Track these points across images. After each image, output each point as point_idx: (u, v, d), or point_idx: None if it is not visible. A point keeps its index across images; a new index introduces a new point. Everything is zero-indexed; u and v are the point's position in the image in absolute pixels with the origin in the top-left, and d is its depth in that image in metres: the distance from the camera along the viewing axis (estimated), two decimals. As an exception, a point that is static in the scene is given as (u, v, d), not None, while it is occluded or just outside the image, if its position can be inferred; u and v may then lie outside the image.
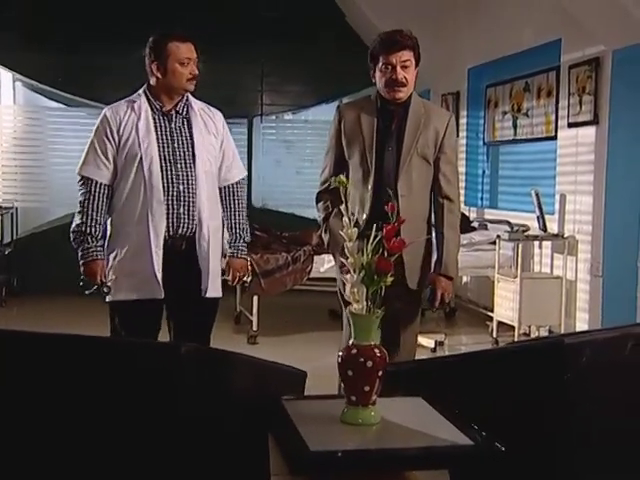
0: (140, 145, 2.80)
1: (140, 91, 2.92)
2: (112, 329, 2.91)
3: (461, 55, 6.59)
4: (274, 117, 7.84)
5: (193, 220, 2.84)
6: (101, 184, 2.84)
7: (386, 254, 1.78)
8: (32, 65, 6.96)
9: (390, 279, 1.78)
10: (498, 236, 5.36)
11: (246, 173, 3.15)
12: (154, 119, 2.85)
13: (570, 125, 5.18)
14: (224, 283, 3.03)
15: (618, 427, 1.93)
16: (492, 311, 5.46)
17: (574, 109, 5.10)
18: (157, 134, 2.83)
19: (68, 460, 1.78)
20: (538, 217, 5.27)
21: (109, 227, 2.89)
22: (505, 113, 6.11)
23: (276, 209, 7.58)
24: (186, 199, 2.84)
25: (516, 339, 5.06)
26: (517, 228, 5.41)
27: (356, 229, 1.81)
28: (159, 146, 2.82)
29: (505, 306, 5.25)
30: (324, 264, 5.32)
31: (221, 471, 1.90)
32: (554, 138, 5.44)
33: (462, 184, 6.80)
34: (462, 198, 6.67)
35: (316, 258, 5.37)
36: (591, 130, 4.97)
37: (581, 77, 5.01)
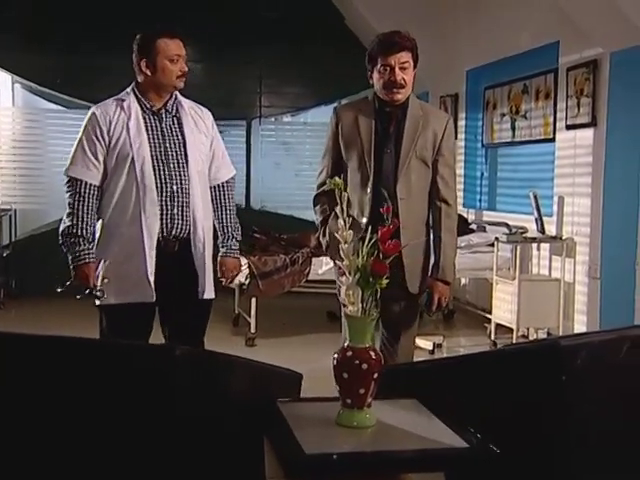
0: (131, 145, 2.75)
1: (128, 89, 2.86)
2: (101, 333, 2.85)
3: (459, 57, 6.59)
4: (273, 119, 7.84)
5: (187, 221, 2.80)
6: (91, 185, 2.77)
7: (381, 256, 1.78)
8: (31, 67, 6.96)
9: (385, 281, 1.78)
10: (496, 238, 5.36)
11: (235, 172, 3.10)
12: (144, 118, 2.80)
13: (568, 127, 5.18)
14: (218, 284, 2.99)
15: (614, 429, 1.93)
16: (490, 313, 5.45)
17: (572, 111, 5.11)
18: (148, 134, 2.78)
19: (65, 460, 1.78)
20: (536, 219, 5.27)
21: (98, 229, 2.82)
22: (503, 115, 6.11)
23: (275, 211, 7.58)
24: (180, 199, 2.79)
25: (514, 341, 5.05)
26: (515, 230, 5.41)
27: (352, 231, 1.80)
28: (151, 146, 2.77)
29: (503, 308, 5.25)
30: (322, 266, 5.32)
31: (217, 474, 1.89)
32: (552, 140, 5.44)
33: (460, 186, 6.80)
34: (460, 200, 6.75)
35: (314, 260, 5.37)
36: (589, 132, 4.97)
37: (579, 79, 5.01)
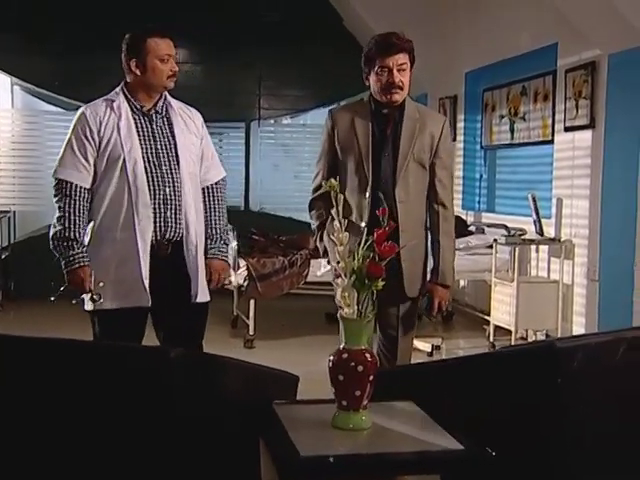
0: (123, 147, 2.69)
1: (117, 89, 2.80)
2: (94, 338, 2.78)
3: (458, 59, 6.60)
4: (272, 121, 7.85)
5: (180, 224, 2.75)
6: (81, 188, 2.70)
7: (377, 258, 1.77)
8: (30, 69, 6.97)
9: (381, 283, 1.78)
10: (495, 240, 5.36)
11: (225, 174, 3.02)
12: (134, 119, 2.74)
13: (567, 129, 5.18)
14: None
15: (611, 431, 1.93)
16: (489, 315, 5.45)
17: (571, 113, 5.11)
18: (139, 135, 2.73)
19: (60, 459, 1.78)
20: (535, 221, 5.27)
21: (88, 232, 2.72)
22: (502, 117, 6.12)
23: (274, 213, 7.59)
24: (173, 202, 2.74)
25: (513, 343, 5.05)
26: (514, 232, 5.41)
27: (347, 233, 1.80)
28: (142, 147, 2.72)
29: (502, 310, 5.24)
30: (321, 268, 5.31)
31: (213, 476, 1.89)
32: (551, 142, 5.44)
33: (459, 188, 6.80)
34: (459, 202, 6.76)
35: (313, 262, 5.36)
36: (587, 134, 4.97)
37: (577, 81, 5.01)
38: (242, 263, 5.44)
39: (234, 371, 1.98)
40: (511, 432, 1.90)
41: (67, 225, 2.69)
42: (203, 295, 2.84)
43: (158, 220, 2.72)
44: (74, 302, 2.78)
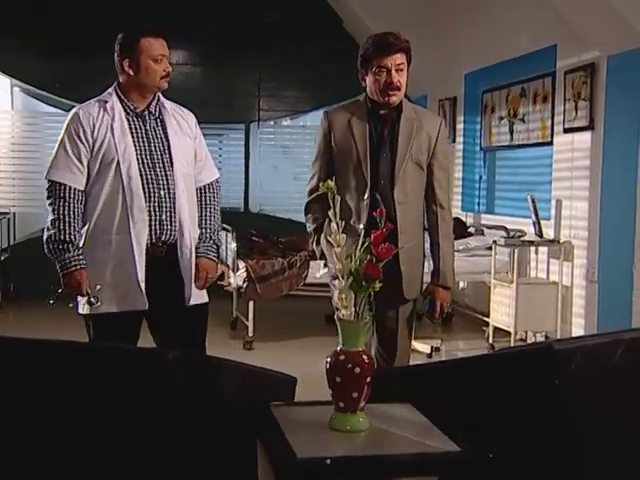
0: (117, 148, 2.65)
1: (110, 90, 2.76)
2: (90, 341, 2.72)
3: (458, 61, 6.60)
4: (272, 122, 7.85)
5: (175, 226, 2.72)
6: (75, 190, 2.65)
7: (374, 260, 1.77)
8: (30, 71, 6.97)
9: (379, 285, 1.77)
10: (494, 241, 5.36)
11: (218, 175, 2.97)
12: (128, 120, 2.70)
13: (566, 130, 5.18)
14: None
15: (609, 432, 1.93)
16: (488, 316, 5.45)
17: (570, 115, 5.11)
18: (133, 136, 2.69)
19: (60, 461, 1.78)
20: (534, 222, 5.27)
21: (82, 235, 2.69)
22: (502, 118, 6.12)
23: (273, 214, 7.59)
24: (168, 205, 2.70)
25: (512, 345, 5.05)
26: (513, 233, 5.41)
27: (344, 235, 1.80)
28: (136, 149, 2.68)
29: (501, 311, 5.24)
30: (320, 269, 5.30)
31: (211, 478, 1.89)
32: (550, 143, 5.45)
33: (459, 189, 6.81)
34: (459, 203, 6.76)
35: (312, 263, 5.36)
36: (587, 135, 4.97)
37: (576, 83, 5.01)
38: (241, 265, 5.44)
39: (232, 373, 1.97)
40: (509, 434, 1.90)
41: (62, 228, 2.64)
42: (199, 297, 2.81)
43: (153, 223, 2.69)
44: (70, 305, 2.74)
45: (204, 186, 2.89)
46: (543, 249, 5.47)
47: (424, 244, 2.90)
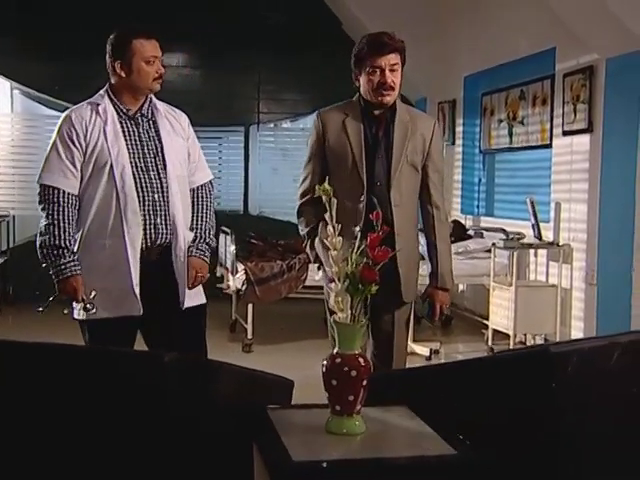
0: (110, 152, 2.61)
1: (102, 92, 2.72)
2: None
3: (457, 63, 6.61)
4: (272, 125, 7.86)
5: (170, 229, 2.69)
6: (69, 194, 2.61)
7: (371, 263, 1.77)
8: (30, 73, 6.98)
9: (375, 288, 1.77)
10: (493, 244, 5.36)
11: (212, 177, 2.93)
12: (121, 123, 2.66)
13: (565, 133, 5.19)
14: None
15: (606, 435, 1.93)
16: (488, 319, 5.45)
17: (569, 117, 5.11)
18: (126, 139, 2.65)
19: (58, 463, 1.78)
20: (533, 225, 5.27)
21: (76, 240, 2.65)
22: (501, 121, 6.12)
23: (273, 217, 7.59)
24: (162, 208, 2.67)
25: (511, 347, 5.05)
26: (512, 236, 5.41)
27: (341, 238, 1.79)
28: (129, 152, 2.64)
29: (500, 314, 5.24)
30: (319, 272, 5.31)
31: (207, 481, 1.89)
32: (549, 146, 5.45)
33: (458, 192, 6.81)
34: (458, 206, 6.76)
35: (311, 266, 5.35)
36: (585, 138, 4.97)
37: (575, 85, 5.02)
38: (240, 267, 5.44)
39: (228, 376, 1.97)
40: (506, 437, 1.90)
41: (57, 233, 2.60)
42: (196, 299, 2.78)
43: (148, 227, 2.66)
44: (65, 312, 2.70)
45: (198, 187, 2.85)
46: (542, 252, 5.47)
47: (419, 246, 2.89)
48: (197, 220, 2.83)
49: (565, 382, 1.87)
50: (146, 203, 2.65)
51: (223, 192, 7.67)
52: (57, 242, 2.60)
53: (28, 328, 5.62)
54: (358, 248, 1.77)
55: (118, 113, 2.69)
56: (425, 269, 2.95)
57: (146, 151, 2.69)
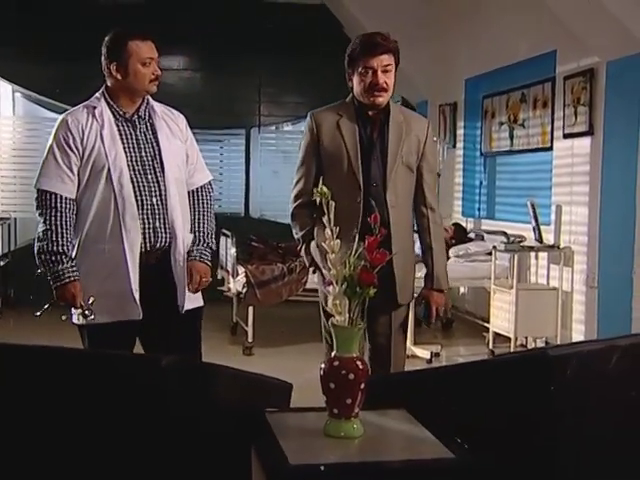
0: (107, 156, 2.58)
1: (98, 94, 2.69)
2: None
3: (458, 66, 6.61)
4: (273, 128, 7.86)
5: (169, 233, 2.66)
6: (67, 199, 2.59)
7: (369, 266, 1.77)
8: (31, 76, 6.99)
9: (373, 291, 1.77)
10: (494, 247, 5.35)
11: (211, 178, 2.89)
12: (117, 126, 2.63)
13: (565, 136, 5.18)
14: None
15: (604, 439, 1.92)
16: (489, 322, 5.44)
17: (569, 120, 5.11)
18: (123, 143, 2.62)
19: (56, 465, 1.78)
20: (534, 228, 5.27)
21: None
22: (502, 124, 6.12)
23: (274, 219, 7.59)
24: (161, 212, 2.64)
25: (512, 350, 5.04)
26: (513, 239, 5.41)
27: (339, 240, 1.79)
28: (127, 156, 2.61)
29: (501, 317, 5.24)
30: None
31: (206, 484, 1.89)
32: (550, 149, 5.45)
33: (459, 194, 6.81)
34: (459, 209, 6.75)
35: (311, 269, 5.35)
36: (586, 141, 4.97)
37: (576, 88, 5.02)
38: (241, 270, 5.44)
39: (226, 379, 1.97)
40: (505, 440, 1.89)
41: (55, 239, 2.57)
42: (194, 301, 2.76)
43: (147, 231, 2.63)
44: (64, 318, 2.69)
45: (197, 189, 2.82)
46: (543, 254, 5.47)
47: (414, 247, 2.88)
48: (198, 223, 2.81)
49: (564, 385, 1.87)
50: (145, 207, 2.62)
51: (224, 195, 7.68)
52: (55, 248, 2.58)
53: (29, 331, 5.61)
54: (355, 251, 1.77)
55: (115, 116, 2.66)
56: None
57: (144, 154, 2.66)
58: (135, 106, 2.69)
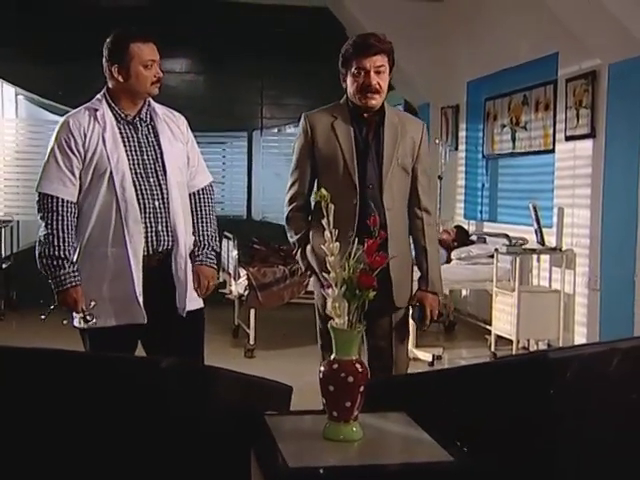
0: (109, 159, 2.57)
1: (99, 96, 2.68)
2: None
3: (460, 68, 6.61)
4: (275, 130, 7.87)
5: (171, 236, 2.66)
6: (69, 202, 2.57)
7: (368, 268, 1.76)
8: (34, 79, 7.01)
9: (372, 294, 1.76)
10: (496, 249, 5.35)
11: (212, 179, 2.89)
12: (119, 129, 2.62)
13: (568, 138, 5.18)
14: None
15: (605, 442, 1.92)
16: (491, 325, 5.44)
17: (571, 122, 5.11)
18: (125, 146, 2.61)
19: (55, 466, 1.78)
20: (536, 230, 5.26)
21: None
22: (504, 126, 6.12)
23: (276, 222, 7.58)
24: (163, 215, 2.63)
25: (514, 353, 5.03)
26: (515, 241, 5.40)
27: (338, 243, 1.79)
28: (129, 159, 2.60)
29: (503, 320, 5.23)
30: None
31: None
32: (552, 151, 5.44)
33: (461, 197, 6.81)
34: (461, 211, 6.75)
35: (313, 271, 5.35)
36: (588, 143, 4.96)
37: (578, 90, 5.01)
38: (243, 272, 5.44)
39: (227, 382, 1.96)
40: (506, 443, 1.89)
41: (56, 243, 2.56)
42: (194, 303, 2.74)
43: (150, 235, 2.62)
44: (65, 322, 2.68)
45: (198, 191, 2.82)
46: (545, 257, 5.46)
47: (410, 250, 2.87)
48: (200, 225, 2.80)
49: (564, 388, 1.86)
50: (147, 210, 2.62)
51: (226, 197, 7.69)
52: (56, 252, 2.56)
53: (32, 333, 5.63)
54: (354, 253, 1.76)
55: (116, 118, 2.65)
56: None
57: (146, 157, 2.65)
58: (137, 108, 2.68)
